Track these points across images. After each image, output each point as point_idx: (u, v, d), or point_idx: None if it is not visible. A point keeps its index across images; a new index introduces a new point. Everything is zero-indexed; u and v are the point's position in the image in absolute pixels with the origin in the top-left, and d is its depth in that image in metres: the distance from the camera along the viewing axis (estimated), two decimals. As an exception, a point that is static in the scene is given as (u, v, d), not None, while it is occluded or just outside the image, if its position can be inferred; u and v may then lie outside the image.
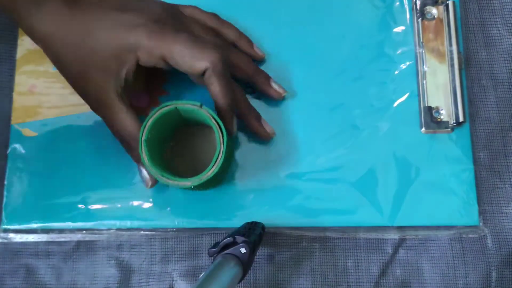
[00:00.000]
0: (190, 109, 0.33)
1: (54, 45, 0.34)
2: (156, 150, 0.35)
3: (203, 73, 0.33)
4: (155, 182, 0.37)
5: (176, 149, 0.38)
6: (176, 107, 0.33)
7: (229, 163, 0.37)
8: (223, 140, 0.32)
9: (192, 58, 0.32)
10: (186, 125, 0.38)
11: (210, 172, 0.32)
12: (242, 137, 0.39)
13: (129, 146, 0.36)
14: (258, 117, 0.38)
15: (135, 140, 0.33)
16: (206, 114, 0.33)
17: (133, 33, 0.33)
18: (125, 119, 0.34)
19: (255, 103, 0.39)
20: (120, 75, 0.33)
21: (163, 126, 0.34)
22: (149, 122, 0.33)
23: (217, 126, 0.33)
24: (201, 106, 0.33)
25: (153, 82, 0.40)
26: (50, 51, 0.34)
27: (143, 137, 0.32)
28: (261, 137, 0.38)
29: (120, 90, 0.34)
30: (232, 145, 0.37)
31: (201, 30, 0.37)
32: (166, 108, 0.33)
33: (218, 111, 0.34)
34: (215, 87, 0.33)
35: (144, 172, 0.37)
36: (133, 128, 0.34)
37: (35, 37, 0.34)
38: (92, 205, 0.38)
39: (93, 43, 0.33)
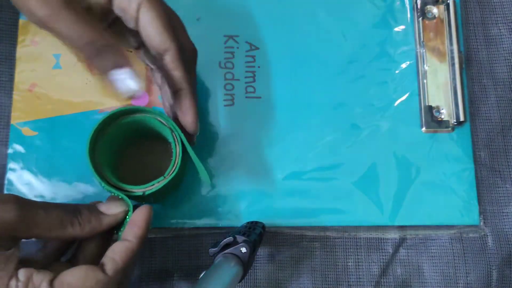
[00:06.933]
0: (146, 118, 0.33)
1: None
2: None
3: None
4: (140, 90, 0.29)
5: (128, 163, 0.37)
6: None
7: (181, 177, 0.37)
8: (179, 151, 0.33)
9: None
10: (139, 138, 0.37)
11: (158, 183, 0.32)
12: (242, 136, 0.39)
13: (92, 51, 0.28)
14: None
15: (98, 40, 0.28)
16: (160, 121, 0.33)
17: None
18: (77, 20, 0.28)
19: (255, 102, 0.40)
20: None
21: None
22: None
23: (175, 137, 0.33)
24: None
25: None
26: None
27: None
28: (186, 124, 0.33)
29: None
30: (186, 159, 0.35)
31: None
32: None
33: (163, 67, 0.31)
34: (147, 26, 0.30)
35: (127, 79, 0.29)
36: (91, 28, 0.28)
37: None
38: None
39: None
